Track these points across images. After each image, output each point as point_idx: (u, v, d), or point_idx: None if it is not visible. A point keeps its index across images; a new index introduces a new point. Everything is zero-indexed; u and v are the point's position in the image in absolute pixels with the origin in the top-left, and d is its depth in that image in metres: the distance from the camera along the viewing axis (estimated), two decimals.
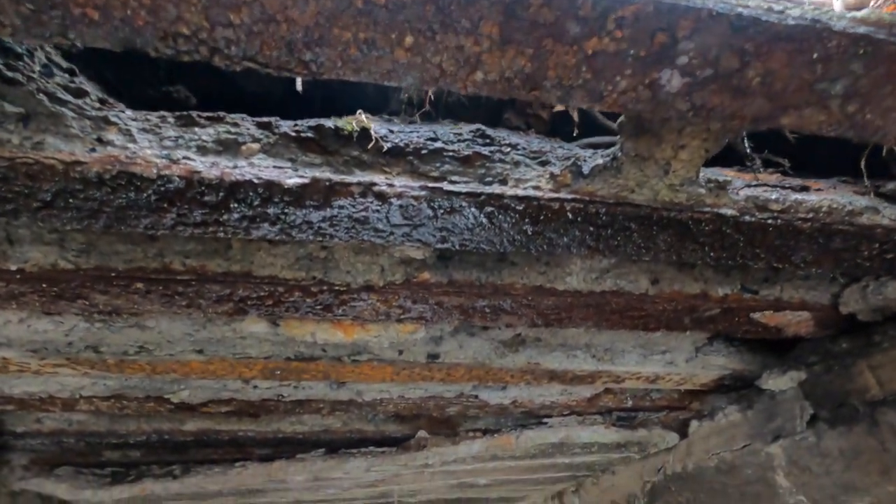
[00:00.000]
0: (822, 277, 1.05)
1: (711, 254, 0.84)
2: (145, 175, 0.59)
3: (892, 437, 0.99)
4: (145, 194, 0.62)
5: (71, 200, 0.61)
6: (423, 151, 0.68)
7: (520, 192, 0.69)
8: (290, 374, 1.20)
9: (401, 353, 1.17)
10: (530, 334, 1.20)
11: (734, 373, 1.37)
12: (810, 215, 0.78)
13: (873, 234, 0.81)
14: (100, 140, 0.59)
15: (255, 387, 1.29)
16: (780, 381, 1.17)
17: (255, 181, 0.62)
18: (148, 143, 0.60)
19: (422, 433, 1.60)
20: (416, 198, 0.67)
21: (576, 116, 0.78)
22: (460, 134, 0.70)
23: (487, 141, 0.70)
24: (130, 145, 0.60)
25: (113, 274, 0.80)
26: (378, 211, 0.68)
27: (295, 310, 0.91)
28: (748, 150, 0.83)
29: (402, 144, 0.67)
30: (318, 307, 0.91)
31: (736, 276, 1.02)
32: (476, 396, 1.48)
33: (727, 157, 0.82)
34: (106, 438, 1.57)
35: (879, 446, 1.01)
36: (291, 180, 0.63)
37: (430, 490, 2.09)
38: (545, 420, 1.61)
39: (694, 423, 1.55)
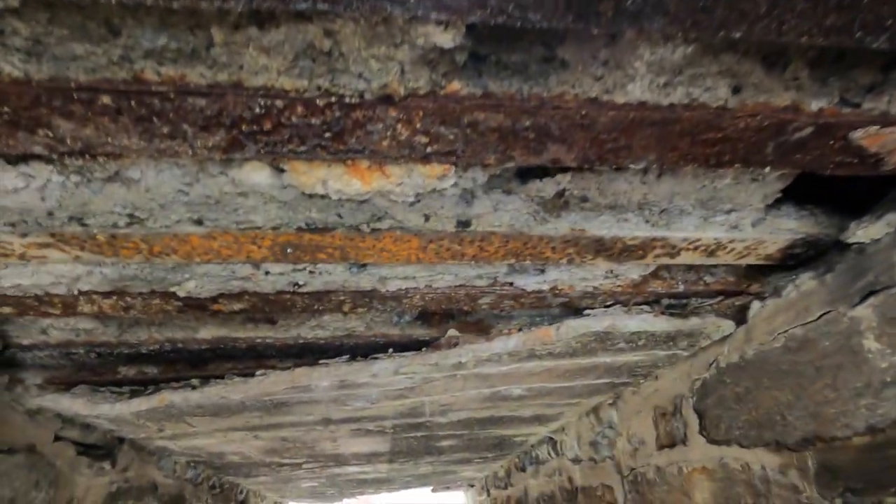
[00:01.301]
0: None
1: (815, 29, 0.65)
2: None
3: None
4: None
5: None
6: None
7: None
8: (303, 251, 1.07)
9: (427, 218, 1.03)
10: (575, 191, 1.04)
11: (807, 237, 1.21)
12: None
13: None
14: None
15: (267, 273, 1.17)
16: (872, 230, 1.00)
17: None
18: None
19: (453, 332, 1.49)
20: None
21: None
22: None
23: None
24: None
25: (73, 85, 0.66)
26: None
27: (300, 141, 0.76)
28: None
29: None
30: (328, 135, 0.76)
31: (834, 85, 0.84)
32: (511, 284, 1.35)
33: None
34: (117, 349, 1.49)
35: None
36: None
37: (462, 403, 2.02)
38: (587, 312, 1.48)
39: (755, 305, 1.41)
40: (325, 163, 0.84)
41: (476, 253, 1.15)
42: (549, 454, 3.21)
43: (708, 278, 1.48)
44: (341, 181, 0.87)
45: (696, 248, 1.22)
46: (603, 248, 1.18)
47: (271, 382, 1.50)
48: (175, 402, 1.50)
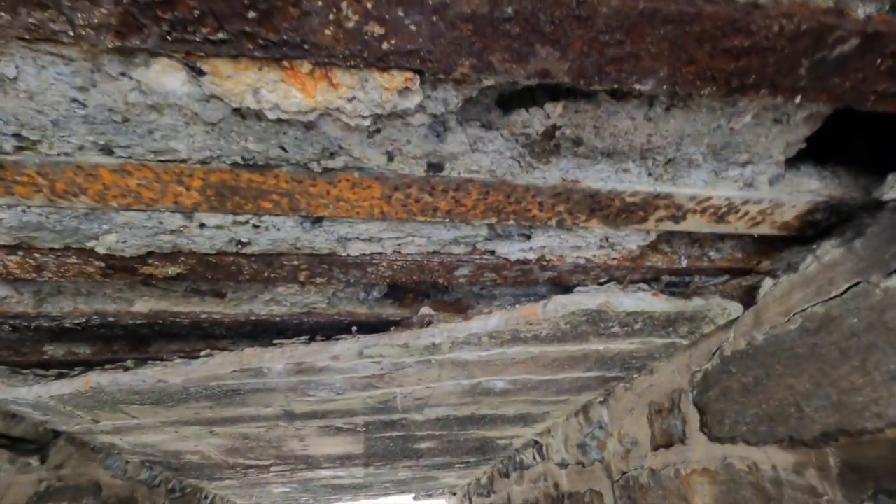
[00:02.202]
0: None
1: None
2: None
3: None
4: None
5: None
6: None
7: None
8: (243, 197, 0.90)
9: (391, 157, 0.87)
10: (567, 130, 0.88)
11: (830, 201, 1.06)
12: None
13: None
14: None
15: (202, 225, 0.99)
16: None
17: None
18: None
19: (426, 309, 1.32)
20: None
21: None
22: None
23: None
24: None
25: None
26: None
27: (216, 25, 0.59)
28: None
29: None
30: (253, 16, 0.59)
31: None
32: (493, 252, 1.19)
33: None
34: (37, 322, 1.29)
35: None
36: None
37: (439, 397, 1.84)
38: (578, 290, 1.31)
39: (766, 283, 1.25)
40: (255, 63, 0.67)
41: (451, 207, 0.98)
42: (534, 458, 3.04)
43: (713, 254, 1.32)
44: (278, 91, 0.70)
45: (704, 211, 1.06)
46: (599, 207, 1.02)
47: (217, 364, 1.31)
48: (103, 386, 1.31)
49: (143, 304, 1.29)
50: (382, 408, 1.93)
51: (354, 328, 1.35)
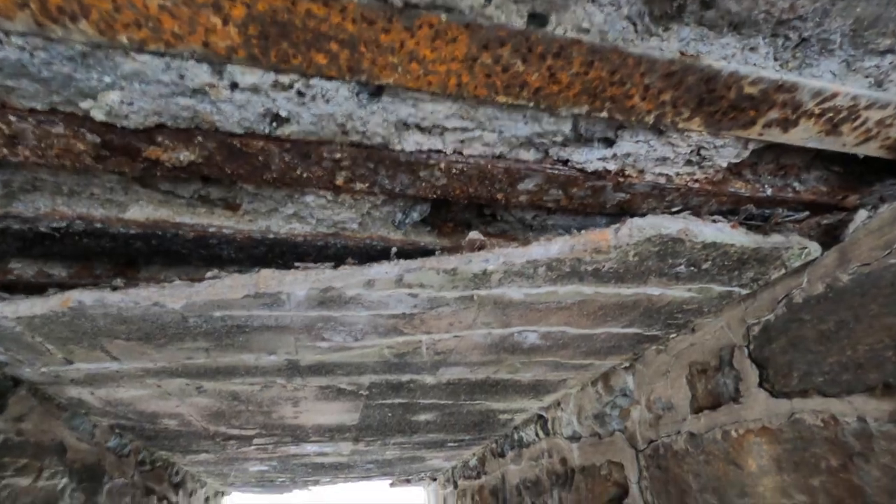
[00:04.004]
0: None
1: None
2: None
3: None
4: None
5: None
6: None
7: None
8: (292, 44, 0.72)
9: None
10: None
11: None
12: None
13: None
14: None
15: (234, 86, 0.80)
16: None
17: None
18: None
19: (475, 234, 1.15)
20: None
21: None
22: None
23: None
24: None
25: None
26: None
27: None
28: None
29: None
30: None
31: None
32: (566, 162, 1.03)
33: None
34: (3, 223, 1.07)
35: None
36: None
37: (463, 350, 1.68)
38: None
39: (860, 214, 1.14)
40: None
41: (541, 84, 0.82)
42: (536, 435, 2.92)
43: (797, 185, 1.20)
44: None
45: (821, 116, 0.93)
46: (709, 99, 0.87)
47: (227, 287, 1.12)
48: (86, 306, 1.09)
49: (139, 211, 1.08)
50: (397, 363, 1.75)
51: (394, 249, 1.17)
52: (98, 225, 1.08)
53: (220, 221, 1.14)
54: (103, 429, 2.32)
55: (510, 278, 1.19)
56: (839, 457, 1.15)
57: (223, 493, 5.62)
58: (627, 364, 2.03)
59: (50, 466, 1.81)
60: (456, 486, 4.97)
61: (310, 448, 3.37)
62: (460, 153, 0.99)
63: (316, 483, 5.40)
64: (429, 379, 2.02)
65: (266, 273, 1.13)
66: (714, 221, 1.18)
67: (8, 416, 1.57)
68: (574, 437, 2.46)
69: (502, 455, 3.50)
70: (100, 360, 1.44)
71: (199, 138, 0.88)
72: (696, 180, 1.11)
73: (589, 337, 1.68)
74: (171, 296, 1.11)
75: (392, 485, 7.20)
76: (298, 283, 1.12)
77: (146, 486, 2.98)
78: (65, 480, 1.93)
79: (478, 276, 1.16)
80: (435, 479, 6.32)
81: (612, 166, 1.04)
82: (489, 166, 1.01)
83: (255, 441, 2.97)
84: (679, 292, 1.40)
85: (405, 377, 1.97)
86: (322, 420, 2.61)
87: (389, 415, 2.61)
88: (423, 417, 2.74)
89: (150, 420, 2.28)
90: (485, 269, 1.13)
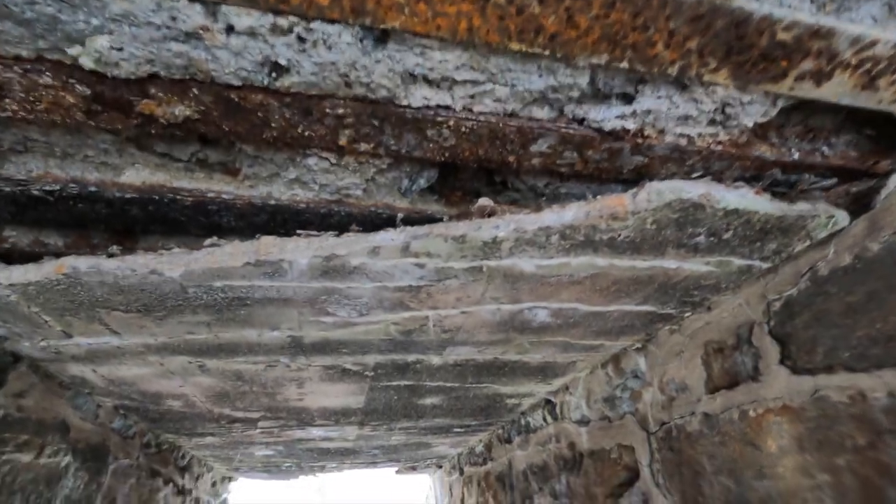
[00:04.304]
0: None
1: None
2: None
3: None
4: None
5: None
6: None
7: None
8: None
9: None
10: None
11: None
12: None
13: None
14: None
15: (230, 30, 0.75)
16: None
17: None
18: None
19: (484, 200, 1.10)
20: None
21: None
22: None
23: None
24: None
25: None
26: None
27: None
28: None
29: None
30: None
31: None
32: (582, 122, 0.98)
33: None
34: None
35: None
36: None
37: (471, 328, 1.64)
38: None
39: (893, 179, 1.08)
40: None
41: (558, 29, 0.76)
42: (544, 420, 2.88)
43: (826, 149, 1.14)
44: None
45: (858, 67, 0.87)
46: (738, 45, 0.81)
47: (227, 255, 1.08)
48: (81, 273, 1.06)
49: (135, 174, 1.04)
50: (402, 342, 1.71)
51: (400, 215, 1.13)
52: (93, 189, 1.04)
53: (219, 186, 1.09)
54: (107, 409, 2.31)
55: (521, 247, 1.14)
56: (867, 434, 1.10)
57: (230, 479, 5.65)
58: (639, 345, 1.98)
59: (52, 444, 1.79)
60: (462, 473, 4.96)
61: (315, 432, 3.36)
62: (470, 110, 0.93)
63: (322, 469, 5.42)
64: (435, 360, 1.99)
65: (267, 240, 1.08)
66: (737, 188, 1.12)
67: (7, 391, 1.55)
68: (583, 422, 2.42)
69: (509, 441, 3.47)
70: (99, 334, 1.41)
71: (195, 90, 0.84)
72: (720, 142, 1.06)
73: (601, 315, 1.63)
74: (169, 263, 1.07)
75: (398, 472, 7.22)
76: (301, 250, 1.07)
77: (151, 468, 2.98)
78: (68, 459, 1.92)
79: (487, 245, 1.11)
80: (440, 467, 6.33)
81: (631, 125, 0.98)
82: (501, 125, 0.96)
83: (261, 424, 2.95)
84: (697, 266, 1.34)
85: (411, 357, 1.94)
86: (327, 403, 2.58)
87: (395, 398, 2.58)
88: (429, 401, 2.71)
89: (154, 401, 2.26)
90: (495, 237, 1.08)
